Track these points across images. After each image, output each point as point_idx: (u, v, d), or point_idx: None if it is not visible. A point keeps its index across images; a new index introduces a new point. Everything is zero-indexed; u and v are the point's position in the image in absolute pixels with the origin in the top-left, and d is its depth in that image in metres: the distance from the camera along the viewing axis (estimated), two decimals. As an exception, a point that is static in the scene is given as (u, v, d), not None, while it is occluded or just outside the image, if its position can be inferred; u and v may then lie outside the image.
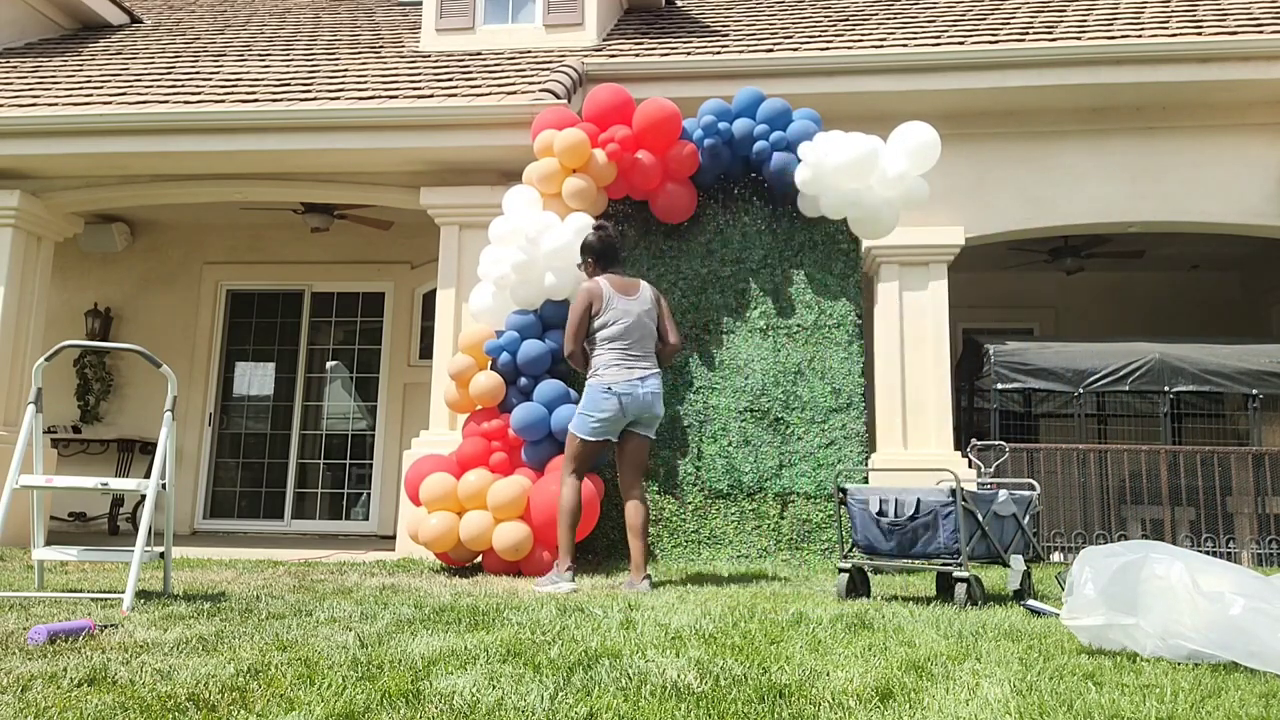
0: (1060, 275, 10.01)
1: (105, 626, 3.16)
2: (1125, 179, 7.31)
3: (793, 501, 5.85)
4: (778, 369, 6.01)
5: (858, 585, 4.35)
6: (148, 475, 4.05)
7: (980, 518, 4.13)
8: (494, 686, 2.37)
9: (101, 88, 7.70)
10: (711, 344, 6.11)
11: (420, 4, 9.97)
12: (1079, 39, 7.10)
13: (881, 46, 7.37)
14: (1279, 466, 6.76)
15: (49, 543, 4.48)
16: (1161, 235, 8.48)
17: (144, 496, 3.94)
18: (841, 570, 4.28)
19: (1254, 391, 7.11)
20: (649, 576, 4.65)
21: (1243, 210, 7.17)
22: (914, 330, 7.17)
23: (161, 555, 4.13)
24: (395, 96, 7.07)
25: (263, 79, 7.79)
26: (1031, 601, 4.00)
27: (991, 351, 7.33)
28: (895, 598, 4.37)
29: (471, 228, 7.11)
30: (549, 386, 5.59)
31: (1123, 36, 7.05)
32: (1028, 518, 4.47)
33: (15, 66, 8.49)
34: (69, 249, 9.69)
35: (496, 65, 7.82)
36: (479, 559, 5.57)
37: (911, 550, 4.13)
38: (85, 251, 10.01)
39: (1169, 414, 7.17)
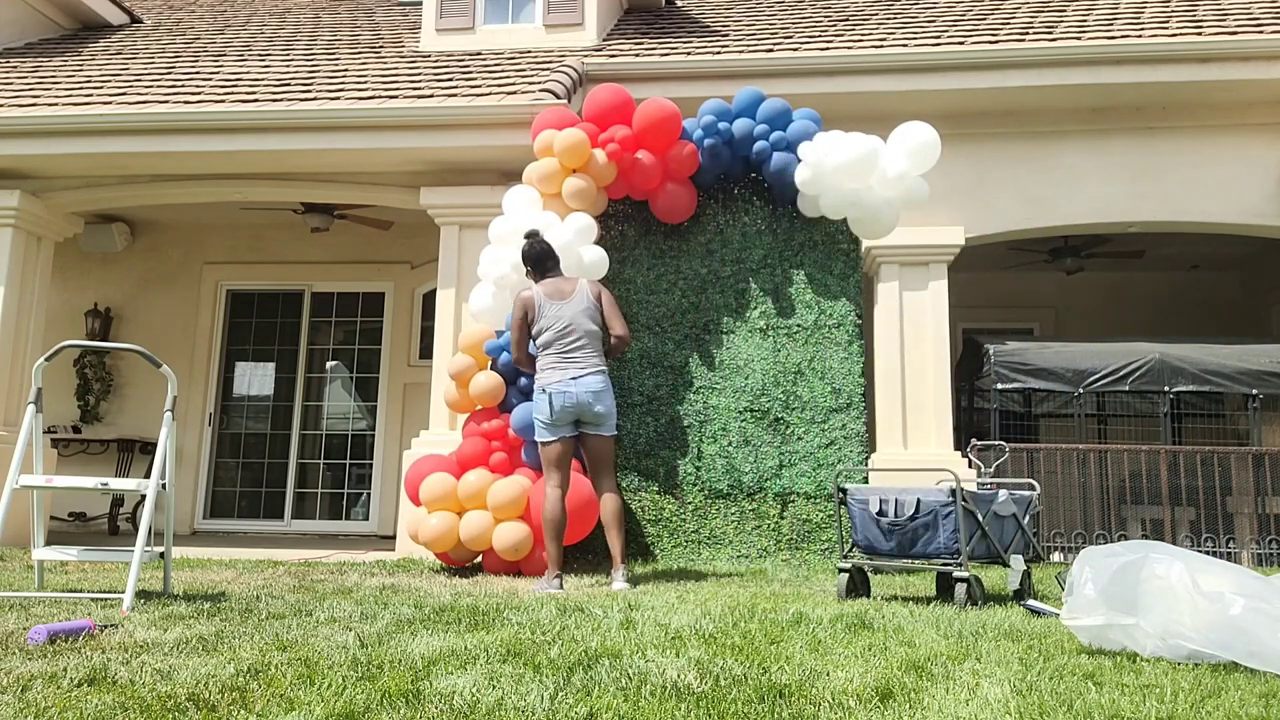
0: (1060, 275, 10.01)
1: (105, 626, 3.16)
2: (1125, 179, 7.31)
3: (793, 501, 5.85)
4: (778, 369, 6.01)
5: (858, 585, 4.35)
6: (148, 475, 4.05)
7: (980, 518, 4.13)
8: (494, 686, 2.37)
9: (101, 88, 7.70)
10: (711, 344, 6.11)
11: (420, 4, 9.97)
12: (1079, 39, 7.10)
13: (881, 46, 7.37)
14: (1279, 466, 6.76)
15: (49, 543, 4.48)
16: (1161, 235, 8.48)
17: (144, 496, 3.94)
18: (841, 570, 4.28)
19: (1254, 391, 7.11)
20: (625, 565, 4.80)
21: (1243, 210, 7.17)
22: (914, 330, 7.17)
23: (161, 555, 4.13)
24: (395, 96, 7.07)
25: (263, 79, 7.79)
26: (1031, 601, 4.01)
27: (991, 351, 7.33)
28: (895, 598, 4.37)
29: (471, 228, 7.11)
30: (549, 386, 5.58)
31: (1123, 36, 7.05)
32: (1028, 518, 4.47)
33: (15, 66, 8.50)
34: (69, 249, 9.69)
35: (496, 65, 7.82)
36: (479, 559, 5.57)
37: (911, 550, 4.13)
38: (85, 251, 10.01)
39: (1169, 414, 7.17)
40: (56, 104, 7.29)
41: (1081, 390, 7.21)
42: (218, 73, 8.06)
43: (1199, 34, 7.00)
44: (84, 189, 7.72)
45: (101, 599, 3.94)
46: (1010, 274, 10.20)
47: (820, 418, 5.92)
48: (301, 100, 7.11)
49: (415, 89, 7.23)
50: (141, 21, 10.41)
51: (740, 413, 5.98)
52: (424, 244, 9.45)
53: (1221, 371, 7.15)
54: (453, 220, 7.22)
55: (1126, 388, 7.19)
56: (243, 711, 2.13)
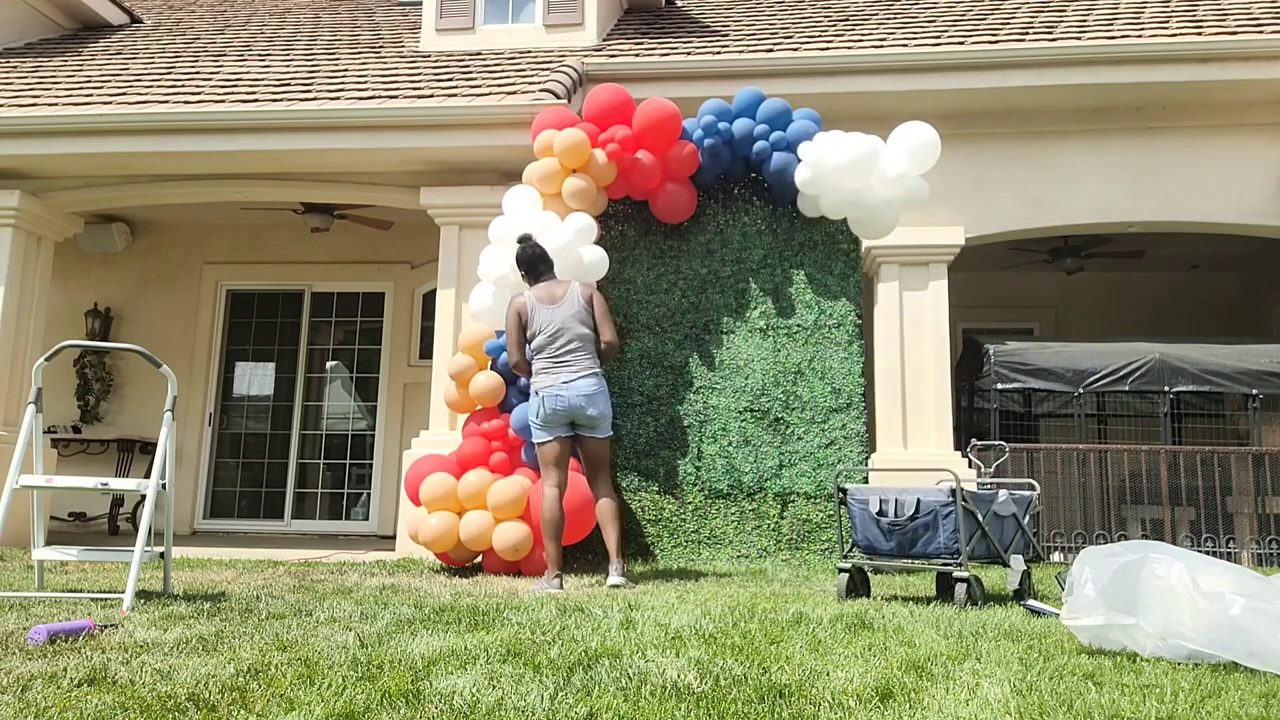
0: (1060, 275, 10.01)
1: (105, 626, 3.16)
2: (1125, 179, 7.31)
3: (793, 501, 5.85)
4: (778, 369, 6.01)
5: (858, 585, 4.35)
6: (148, 475, 4.05)
7: (980, 518, 4.13)
8: (494, 686, 2.37)
9: (101, 88, 7.70)
10: (711, 344, 6.11)
11: (420, 4, 9.97)
12: (1079, 39, 7.10)
13: (881, 46, 7.37)
14: (1279, 466, 6.76)
15: (49, 543, 4.48)
16: (1161, 235, 8.48)
17: (144, 496, 3.94)
18: (841, 570, 4.28)
19: (1254, 391, 7.11)
20: (622, 560, 4.90)
21: (1243, 210, 7.18)
22: (914, 330, 7.16)
23: (161, 555, 4.13)
24: (395, 96, 7.07)
25: (263, 79, 7.79)
26: (1031, 601, 4.01)
27: (991, 351, 7.33)
28: (895, 598, 4.37)
29: (471, 228, 7.11)
30: (549, 386, 5.58)
31: (1123, 36, 7.05)
32: (1028, 518, 4.47)
33: (15, 66, 8.50)
34: (69, 249, 9.69)
35: (496, 65, 7.82)
36: (479, 559, 5.57)
37: (911, 550, 4.13)
38: (85, 251, 10.01)
39: (1169, 414, 7.17)
40: (56, 104, 7.29)
41: (1081, 390, 7.21)
42: (218, 73, 8.06)
43: (1199, 34, 7.00)
44: (84, 189, 7.72)
45: (101, 599, 3.94)
46: (1010, 274, 10.20)
47: (820, 418, 5.92)
48: (301, 100, 7.11)
49: (415, 89, 7.23)
50: (141, 21, 10.41)
51: (740, 413, 5.98)
52: (424, 244, 9.45)
53: (1221, 371, 7.15)
54: (453, 220, 7.22)
55: (1126, 388, 7.19)
56: (243, 711, 2.13)
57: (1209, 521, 6.79)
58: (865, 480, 5.87)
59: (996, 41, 7.27)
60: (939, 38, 7.46)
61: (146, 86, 7.70)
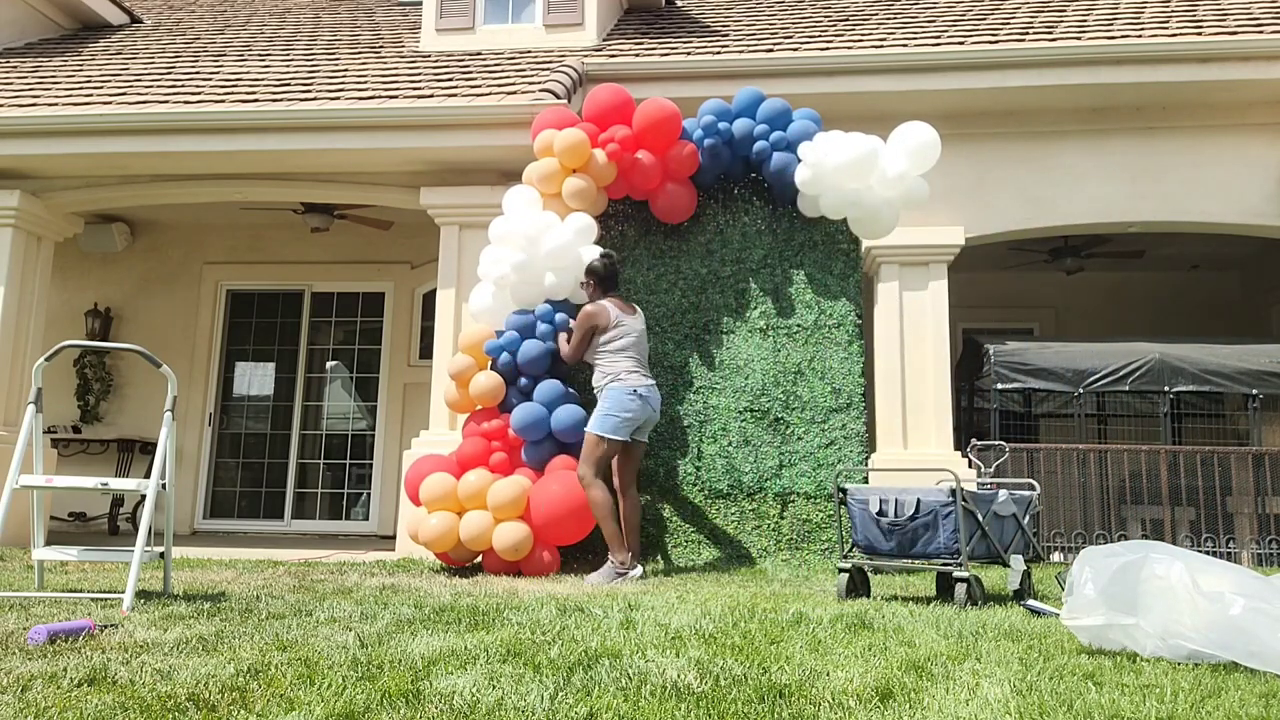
0: (1060, 275, 10.01)
1: (105, 626, 3.16)
2: (1125, 179, 7.31)
3: (793, 501, 5.85)
4: (778, 369, 6.01)
5: (858, 585, 4.35)
6: (148, 475, 4.05)
7: (980, 518, 4.13)
8: (494, 686, 2.37)
9: (101, 88, 7.70)
10: (711, 344, 6.11)
11: (420, 4, 9.97)
12: (1079, 39, 7.10)
13: (881, 46, 7.37)
14: (1279, 466, 6.76)
15: (49, 543, 4.48)
16: (1161, 235, 8.48)
17: (144, 496, 3.94)
18: (841, 570, 4.28)
19: (1254, 391, 7.11)
20: (642, 564, 5.26)
21: (1243, 210, 7.17)
22: (914, 330, 7.16)
23: (161, 555, 4.13)
24: (395, 96, 7.07)
25: (263, 79, 7.79)
26: (1031, 601, 4.01)
27: (991, 351, 7.33)
28: (895, 598, 4.37)
29: (471, 228, 7.11)
30: (549, 386, 5.58)
31: (1123, 36, 7.05)
32: (1028, 518, 4.47)
33: (15, 66, 8.50)
34: (69, 249, 9.69)
35: (496, 65, 7.82)
36: (479, 559, 5.57)
37: (911, 550, 4.13)
38: (85, 251, 10.01)
39: (1169, 414, 7.17)
40: (56, 104, 7.29)
41: (1081, 390, 7.21)
42: (218, 73, 8.06)
43: (1199, 34, 7.00)
44: (84, 189, 7.72)
45: (101, 599, 3.94)
46: (1010, 274, 10.20)
47: (820, 418, 5.92)
48: (301, 100, 7.11)
49: (415, 89, 7.22)
50: (141, 21, 10.41)
51: (740, 413, 5.98)
52: (424, 244, 9.45)
53: (1221, 371, 7.15)
54: (453, 220, 7.22)
55: (1126, 388, 7.19)
56: (243, 711, 2.13)
57: (1209, 521, 6.79)
58: (865, 480, 5.86)
59: (996, 41, 7.27)
60: (939, 38, 7.46)
61: (146, 86, 7.70)
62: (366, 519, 9.69)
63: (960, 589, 4.01)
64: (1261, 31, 6.97)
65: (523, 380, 5.67)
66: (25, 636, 2.97)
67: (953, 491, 4.03)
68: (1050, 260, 9.42)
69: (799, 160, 5.85)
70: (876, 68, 7.20)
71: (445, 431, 6.82)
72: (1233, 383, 7.13)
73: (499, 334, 5.78)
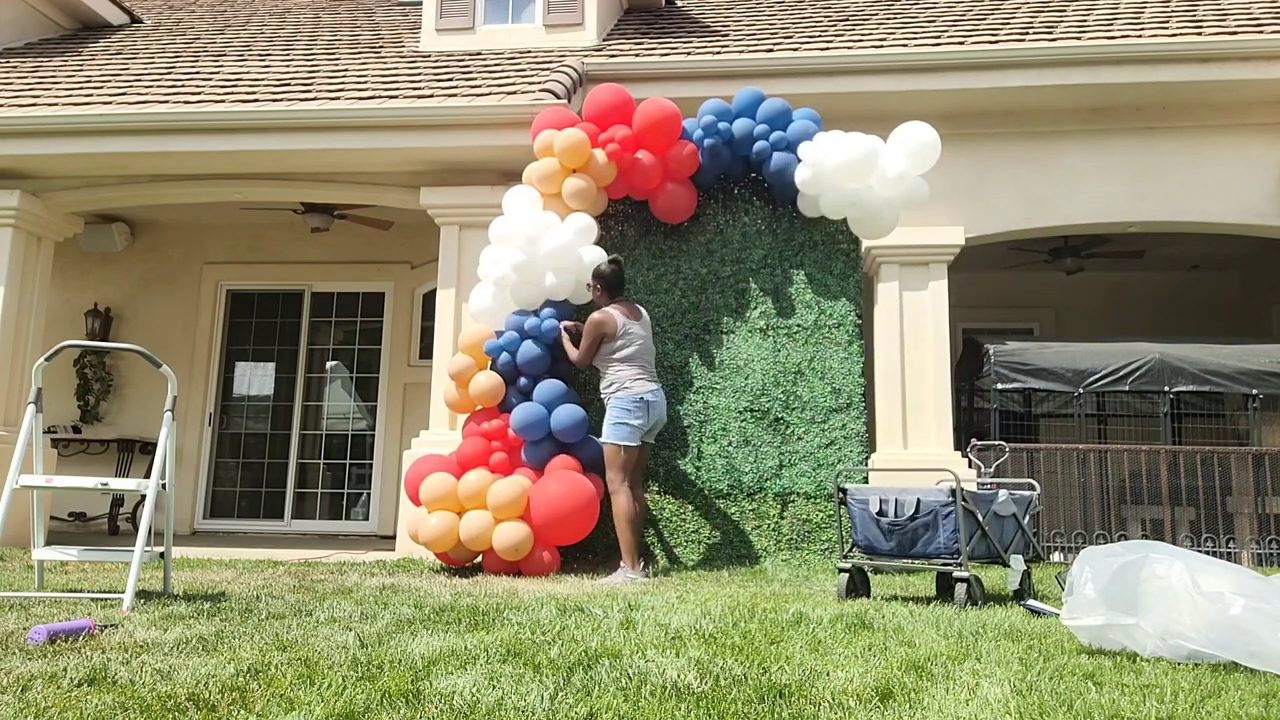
0: (1060, 275, 10.01)
1: (105, 626, 3.16)
2: (1125, 179, 7.31)
3: (793, 501, 5.85)
4: (778, 369, 6.00)
5: (858, 585, 4.35)
6: (148, 475, 4.05)
7: (980, 518, 4.13)
8: (494, 686, 2.37)
9: (101, 88, 7.70)
10: (711, 344, 6.11)
11: (420, 4, 9.97)
12: (1079, 39, 7.10)
13: (881, 46, 7.37)
14: (1279, 466, 6.76)
15: (49, 543, 4.48)
16: (1161, 235, 8.48)
17: (144, 496, 3.94)
18: (841, 570, 4.28)
19: (1254, 391, 7.10)
20: (646, 566, 5.35)
21: (1243, 210, 7.17)
22: (914, 330, 7.16)
23: (161, 555, 4.13)
24: (395, 96, 7.06)
25: (263, 79, 7.79)
26: (1031, 601, 4.00)
27: (991, 351, 7.33)
28: (895, 598, 4.37)
29: (471, 228, 7.11)
30: (549, 386, 5.59)
31: (1123, 36, 7.05)
32: (1028, 518, 4.47)
33: (15, 66, 8.50)
34: (69, 249, 9.69)
35: (496, 65, 7.82)
36: (479, 559, 5.57)
37: (911, 550, 4.13)
38: (85, 251, 10.01)
39: (1169, 414, 7.17)
40: (56, 104, 7.29)
41: (1081, 390, 7.21)
42: (218, 73, 8.06)
43: (1199, 34, 7.00)
44: (84, 189, 7.72)
45: (101, 599, 3.94)
46: (1010, 274, 10.20)
47: (820, 418, 5.92)
48: (301, 100, 7.11)
49: (415, 89, 7.22)
50: (141, 21, 10.40)
51: (740, 413, 5.98)
52: (424, 244, 9.45)
53: (1221, 371, 7.15)
54: (453, 220, 7.22)
55: (1126, 388, 7.19)
56: (243, 711, 2.13)
57: (1209, 521, 6.79)
58: (865, 480, 5.86)
59: (996, 41, 7.27)
60: (939, 38, 7.46)
61: (146, 86, 7.70)
62: (366, 519, 9.69)
63: (960, 589, 4.00)
64: (1261, 31, 6.97)
65: (522, 380, 5.67)
66: (25, 636, 2.97)
67: (953, 491, 4.03)
68: (1050, 260, 9.41)
69: (799, 160, 5.85)
70: (876, 68, 7.20)
71: (445, 431, 6.82)
72: (1233, 383, 7.13)
73: (499, 334, 5.78)
